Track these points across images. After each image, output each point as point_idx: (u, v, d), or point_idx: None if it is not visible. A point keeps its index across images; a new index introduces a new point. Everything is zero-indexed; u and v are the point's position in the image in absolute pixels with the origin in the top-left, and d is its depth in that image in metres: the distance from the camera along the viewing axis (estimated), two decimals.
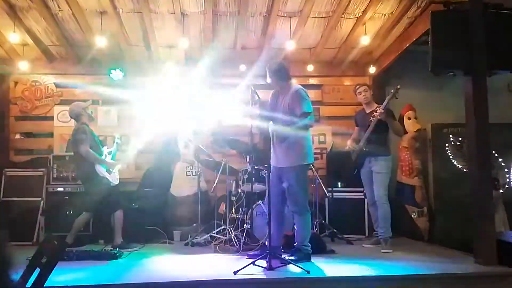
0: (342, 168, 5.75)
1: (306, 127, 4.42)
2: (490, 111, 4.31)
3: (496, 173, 5.82)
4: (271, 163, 4.55)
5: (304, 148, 4.42)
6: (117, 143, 5.75)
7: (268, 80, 4.59)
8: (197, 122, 6.95)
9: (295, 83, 4.66)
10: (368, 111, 5.45)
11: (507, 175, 6.05)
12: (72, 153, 5.58)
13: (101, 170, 5.25)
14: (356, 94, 5.57)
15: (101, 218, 5.65)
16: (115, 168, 5.49)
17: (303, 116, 4.33)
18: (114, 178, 5.41)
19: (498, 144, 5.73)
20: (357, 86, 5.57)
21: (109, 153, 5.55)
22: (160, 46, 6.62)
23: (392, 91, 5.20)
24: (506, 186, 6.01)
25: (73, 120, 6.62)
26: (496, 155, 5.93)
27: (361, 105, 5.67)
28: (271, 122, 4.58)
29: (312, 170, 5.65)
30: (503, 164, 6.04)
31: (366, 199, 5.72)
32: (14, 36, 5.99)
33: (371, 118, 5.26)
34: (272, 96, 4.67)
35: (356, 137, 5.54)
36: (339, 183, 6.39)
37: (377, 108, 5.27)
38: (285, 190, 4.45)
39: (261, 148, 5.49)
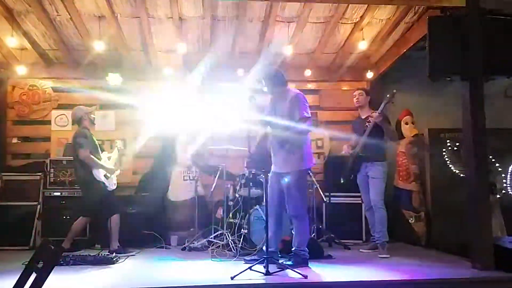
0: (339, 173, 5.72)
1: (305, 133, 4.43)
2: (487, 116, 4.32)
3: (493, 178, 5.82)
4: (272, 169, 4.56)
5: (303, 153, 4.43)
6: (117, 149, 5.76)
7: (265, 88, 4.60)
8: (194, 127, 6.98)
9: (293, 88, 4.67)
10: (363, 116, 5.47)
11: (504, 180, 6.06)
12: (71, 157, 5.57)
13: (98, 174, 5.25)
14: (353, 96, 5.59)
15: (98, 223, 5.62)
16: (113, 173, 5.49)
17: (301, 121, 4.34)
18: (111, 183, 5.40)
19: (495, 149, 5.74)
20: (355, 90, 5.60)
21: (109, 158, 5.55)
22: (158, 50, 6.63)
23: (388, 95, 5.21)
24: (503, 191, 6.01)
25: (70, 125, 6.72)
26: (493, 160, 5.94)
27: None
28: (269, 128, 4.59)
29: (310, 175, 5.65)
30: (500, 169, 6.05)
31: (363, 204, 5.72)
32: (12, 40, 5.99)
33: (367, 124, 5.27)
34: (270, 103, 4.67)
35: (353, 143, 5.54)
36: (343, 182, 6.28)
37: (373, 113, 5.28)
38: (284, 195, 4.45)
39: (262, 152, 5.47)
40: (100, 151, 5.47)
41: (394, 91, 5.17)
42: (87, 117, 5.42)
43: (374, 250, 5.26)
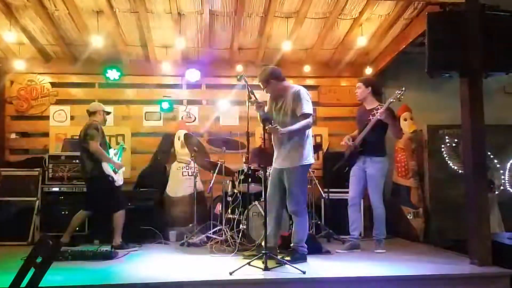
0: (338, 167, 5.65)
1: (304, 129, 4.40)
2: (486, 112, 4.32)
3: (492, 174, 5.83)
4: (273, 165, 4.55)
5: (305, 148, 4.41)
6: (122, 147, 5.79)
7: (265, 90, 4.55)
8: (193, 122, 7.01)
9: (295, 84, 4.64)
10: (368, 107, 5.24)
11: (502, 177, 6.07)
12: (79, 150, 5.51)
13: (107, 168, 5.24)
14: None
15: (97, 218, 5.62)
16: (120, 169, 5.49)
17: (302, 117, 4.31)
18: (119, 178, 5.40)
19: (494, 145, 5.75)
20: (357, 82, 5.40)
21: (115, 154, 5.55)
22: (157, 46, 6.62)
23: (397, 91, 5.04)
24: (501, 187, 6.02)
25: (68, 120, 6.80)
26: (492, 156, 5.95)
27: (358, 106, 5.63)
28: (269, 124, 4.56)
29: (309, 171, 5.63)
30: (498, 165, 6.06)
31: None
32: (10, 35, 5.97)
33: (370, 117, 5.08)
34: (270, 100, 4.63)
35: (355, 135, 5.33)
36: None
37: (378, 107, 5.09)
38: (285, 192, 4.45)
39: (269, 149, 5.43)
40: (108, 147, 5.48)
41: (403, 88, 5.03)
42: (102, 113, 5.46)
43: (351, 250, 5.07)
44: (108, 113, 5.63)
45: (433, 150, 6.12)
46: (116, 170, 5.38)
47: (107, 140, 5.59)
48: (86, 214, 5.39)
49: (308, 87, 6.95)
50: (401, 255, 4.88)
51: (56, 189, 6.06)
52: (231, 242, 5.05)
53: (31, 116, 6.92)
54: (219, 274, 3.88)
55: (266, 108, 4.56)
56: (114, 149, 5.66)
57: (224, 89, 7.05)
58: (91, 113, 5.46)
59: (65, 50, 6.60)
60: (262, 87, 4.52)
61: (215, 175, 5.72)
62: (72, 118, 6.85)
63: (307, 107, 4.35)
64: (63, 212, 5.85)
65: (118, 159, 5.56)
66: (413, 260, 4.60)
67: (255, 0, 5.66)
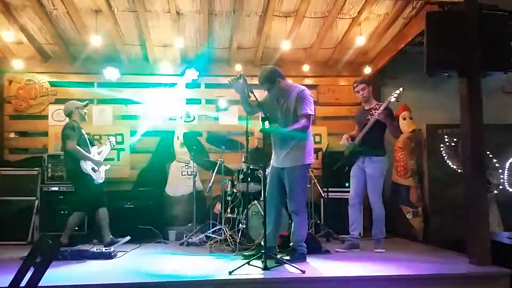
0: (336, 166, 5.63)
1: (302, 129, 4.39)
2: (485, 112, 4.32)
3: (490, 174, 5.83)
4: (272, 164, 4.55)
5: (306, 148, 4.41)
6: (110, 144, 5.76)
7: (268, 90, 4.49)
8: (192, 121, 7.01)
9: (298, 84, 4.61)
10: (367, 108, 5.25)
11: (501, 176, 6.07)
12: (62, 150, 5.55)
13: (86, 167, 5.23)
14: (354, 92, 5.37)
15: (95, 217, 5.62)
16: (101, 167, 5.47)
17: (302, 118, 4.30)
18: (98, 177, 5.38)
19: (493, 145, 5.75)
20: (355, 84, 5.30)
21: (99, 153, 5.54)
22: (155, 45, 6.61)
23: (395, 92, 4.99)
24: (500, 187, 6.02)
25: (67, 119, 6.73)
26: (491, 155, 5.95)
27: (357, 105, 5.62)
28: (266, 122, 4.55)
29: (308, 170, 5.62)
30: (497, 165, 6.06)
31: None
32: (9, 35, 5.96)
33: (369, 116, 5.08)
34: (270, 99, 4.59)
35: (354, 134, 5.33)
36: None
37: (377, 106, 5.10)
38: (284, 190, 4.45)
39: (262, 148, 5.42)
40: (89, 145, 5.45)
41: (401, 89, 5.00)
42: (77, 111, 5.43)
43: (351, 250, 5.08)
44: (85, 105, 5.55)
45: (432, 149, 6.13)
46: (96, 168, 5.37)
47: (88, 138, 5.56)
48: (79, 214, 5.37)
49: (307, 87, 6.98)
50: (400, 255, 4.88)
51: (56, 188, 6.07)
52: (230, 241, 5.06)
53: (30, 115, 6.91)
54: (218, 273, 3.89)
55: (266, 105, 4.54)
56: (99, 148, 5.64)
57: (223, 88, 7.04)
58: (67, 115, 5.46)
59: (63, 49, 6.58)
60: (265, 87, 4.46)
61: (214, 174, 5.73)
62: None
63: (310, 108, 4.34)
64: (62, 212, 5.85)
65: (103, 157, 5.56)
66: (412, 259, 4.60)
67: None
